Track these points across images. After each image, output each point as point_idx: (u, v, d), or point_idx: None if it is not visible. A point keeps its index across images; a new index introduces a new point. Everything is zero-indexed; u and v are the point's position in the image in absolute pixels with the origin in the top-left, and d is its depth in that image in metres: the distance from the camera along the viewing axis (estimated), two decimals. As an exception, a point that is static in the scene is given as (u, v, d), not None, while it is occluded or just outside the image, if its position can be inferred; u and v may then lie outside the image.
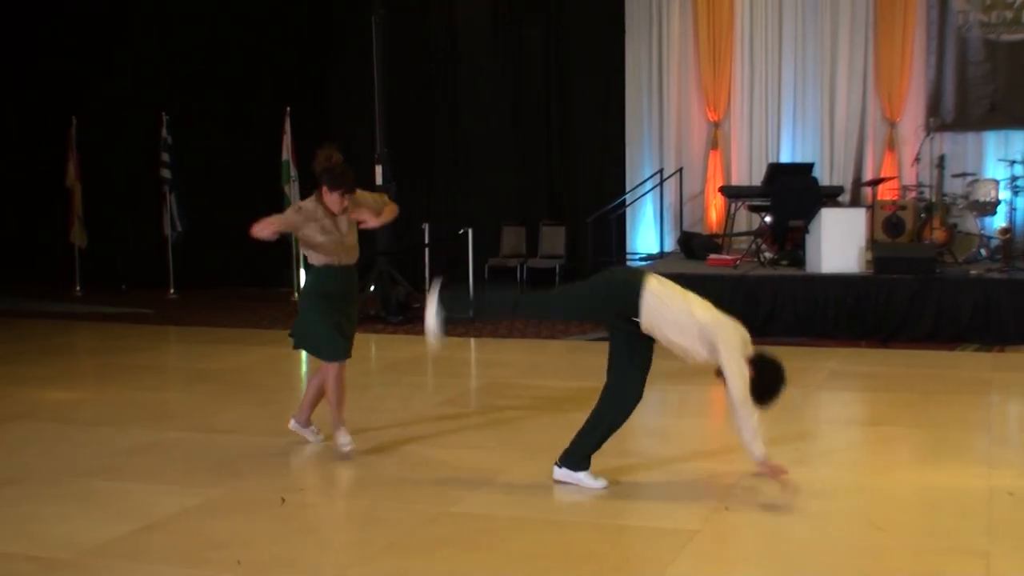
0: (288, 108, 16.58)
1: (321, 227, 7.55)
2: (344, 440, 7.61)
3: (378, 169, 14.62)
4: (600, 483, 6.78)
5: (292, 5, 17.87)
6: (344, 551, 5.86)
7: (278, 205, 16.57)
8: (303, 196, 16.49)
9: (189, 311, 15.79)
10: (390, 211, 7.95)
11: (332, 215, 7.58)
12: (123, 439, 8.32)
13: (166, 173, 17.53)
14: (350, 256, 7.71)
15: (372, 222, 7.80)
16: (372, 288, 14.72)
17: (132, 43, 18.77)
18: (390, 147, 14.83)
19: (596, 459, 6.85)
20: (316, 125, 17.65)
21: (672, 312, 6.50)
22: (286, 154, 16.62)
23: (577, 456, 6.84)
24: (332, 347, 7.62)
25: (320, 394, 7.87)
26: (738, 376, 6.45)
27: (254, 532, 6.11)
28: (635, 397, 6.79)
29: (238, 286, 17.93)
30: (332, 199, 7.54)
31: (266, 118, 17.05)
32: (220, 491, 6.90)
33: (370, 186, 15.32)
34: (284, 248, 16.45)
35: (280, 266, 16.70)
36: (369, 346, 12.82)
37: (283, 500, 6.65)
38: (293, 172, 16.57)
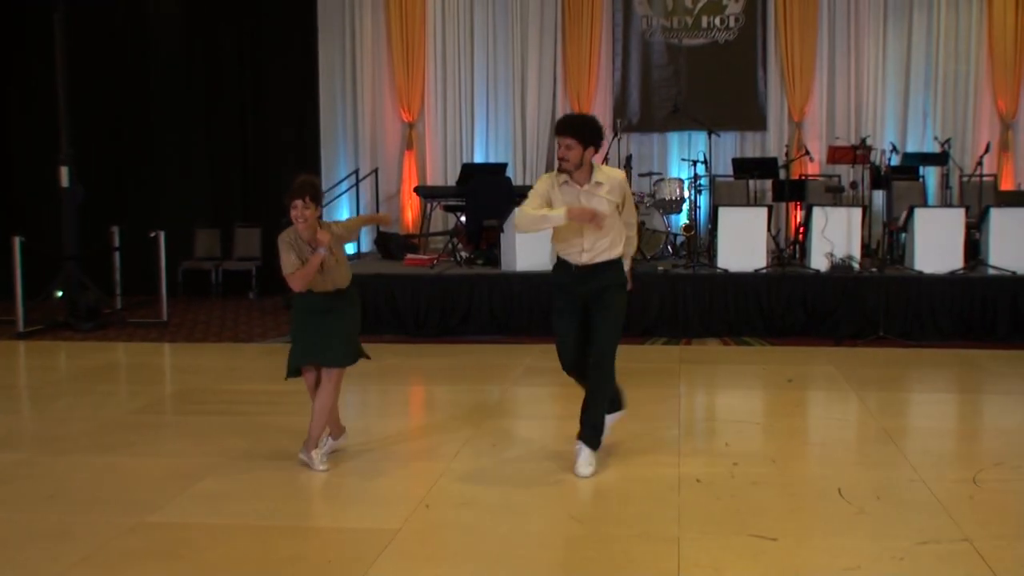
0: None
1: (299, 254, 7.15)
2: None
3: (63, 170, 14.11)
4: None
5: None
6: (35, 568, 5.59)
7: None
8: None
9: None
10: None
11: (310, 244, 7.16)
12: None
13: None
14: (332, 283, 7.25)
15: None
16: (60, 294, 14.21)
17: None
18: (76, 148, 14.32)
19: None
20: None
21: None
22: (-39, 156, 15.89)
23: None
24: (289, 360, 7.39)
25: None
26: None
27: (-67, 553, 5.79)
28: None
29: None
30: (292, 215, 7.13)
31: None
32: None
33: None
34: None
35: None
36: (59, 354, 12.38)
37: (-36, 518, 6.33)
38: (-32, 174, 15.85)
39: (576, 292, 7.01)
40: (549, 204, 6.97)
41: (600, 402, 7.12)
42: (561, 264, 7.12)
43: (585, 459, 7.05)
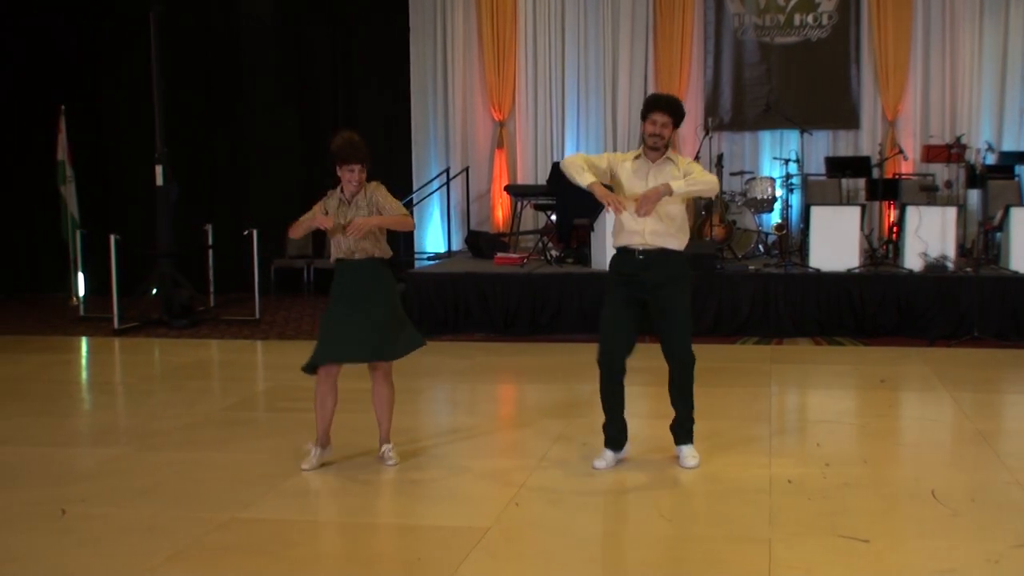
0: (63, 107, 16.07)
1: (333, 214, 7.31)
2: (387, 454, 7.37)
3: (158, 169, 14.28)
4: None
5: (65, 0, 17.30)
6: (129, 562, 5.66)
7: (55, 206, 16.15)
8: (80, 196, 16.18)
9: (-40, 318, 15.17)
10: (397, 221, 7.40)
11: (347, 204, 7.32)
12: None
13: (-67, 175, 16.82)
14: (361, 251, 7.31)
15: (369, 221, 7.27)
16: (155, 291, 14.41)
17: None
18: (170, 147, 14.49)
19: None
20: (93, 124, 17.20)
21: None
22: (61, 154, 16.13)
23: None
24: (314, 353, 7.27)
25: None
26: None
27: (32, 546, 5.86)
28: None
29: (12, 291, 17.27)
30: (344, 177, 7.31)
31: (40, 117, 16.50)
32: (-6, 505, 6.62)
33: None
34: (61, 252, 16.00)
35: (57, 271, 16.22)
36: (153, 350, 12.54)
37: (63, 512, 6.41)
38: (69, 172, 16.09)
39: (636, 283, 6.96)
40: (609, 175, 7.10)
41: (691, 403, 7.26)
42: (620, 254, 7.09)
43: (689, 452, 7.21)
